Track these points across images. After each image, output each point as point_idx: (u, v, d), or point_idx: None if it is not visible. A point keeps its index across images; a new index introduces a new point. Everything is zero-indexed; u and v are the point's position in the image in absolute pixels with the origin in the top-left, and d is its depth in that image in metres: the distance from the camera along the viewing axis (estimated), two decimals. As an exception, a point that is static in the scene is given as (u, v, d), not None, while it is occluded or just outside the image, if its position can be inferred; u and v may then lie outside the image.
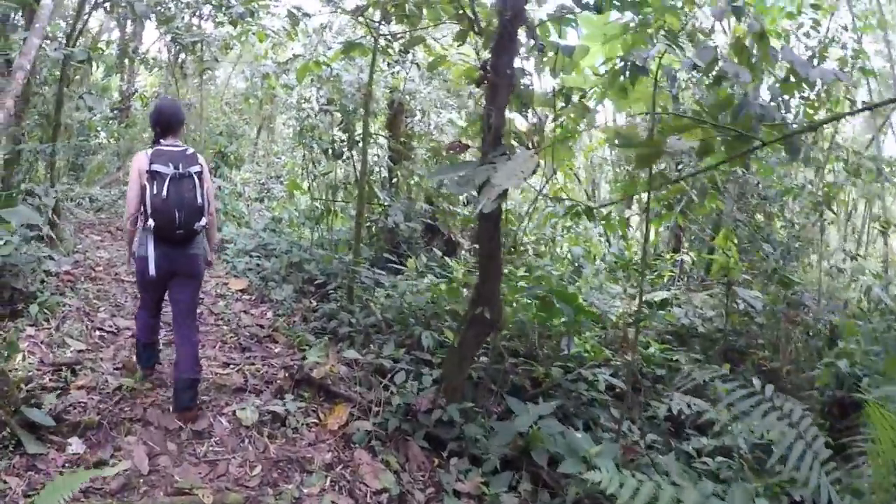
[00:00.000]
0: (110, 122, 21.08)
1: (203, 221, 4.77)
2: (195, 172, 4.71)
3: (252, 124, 18.19)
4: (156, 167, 4.59)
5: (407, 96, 10.71)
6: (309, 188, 11.21)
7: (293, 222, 11.94)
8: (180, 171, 4.64)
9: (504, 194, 4.18)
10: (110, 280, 9.69)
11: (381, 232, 10.50)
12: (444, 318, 7.12)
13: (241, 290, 9.63)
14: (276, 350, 7.24)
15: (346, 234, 11.08)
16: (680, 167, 9.47)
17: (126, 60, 22.16)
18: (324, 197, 11.15)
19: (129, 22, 18.57)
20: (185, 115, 5.27)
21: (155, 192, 4.55)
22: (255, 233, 11.44)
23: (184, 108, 5.46)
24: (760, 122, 4.91)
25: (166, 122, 4.90)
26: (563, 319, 6.56)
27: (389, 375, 6.08)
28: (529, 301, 6.86)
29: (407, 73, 10.65)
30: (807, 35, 8.59)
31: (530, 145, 5.38)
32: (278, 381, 6.01)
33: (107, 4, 12.52)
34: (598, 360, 6.88)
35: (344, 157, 10.59)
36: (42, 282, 8.23)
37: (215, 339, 7.52)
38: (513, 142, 5.39)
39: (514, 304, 7.01)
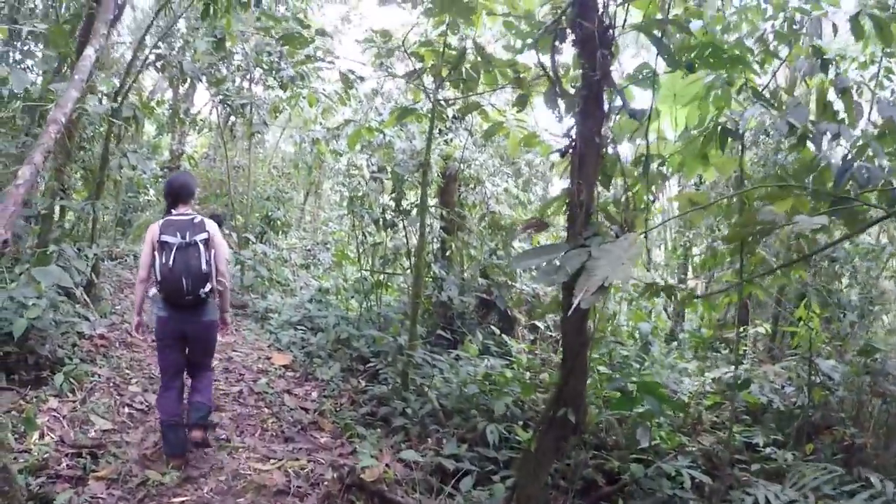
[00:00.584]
0: (159, 180, 20.88)
1: (208, 287, 4.93)
2: (201, 240, 4.88)
3: (299, 189, 17.67)
4: (164, 237, 4.83)
5: (461, 164, 10.00)
6: (358, 258, 10.48)
7: (340, 292, 11.21)
8: (186, 239, 4.83)
9: (606, 287, 3.36)
10: (146, 347, 8.98)
11: (434, 307, 9.71)
12: (509, 407, 6.24)
13: (284, 366, 8.88)
14: (323, 440, 6.43)
15: (395, 308, 10.33)
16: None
17: (177, 120, 22.14)
18: (373, 268, 10.42)
19: (181, 82, 18.37)
20: (196, 187, 5.55)
21: (163, 261, 4.77)
22: (301, 303, 10.73)
23: (195, 181, 5.65)
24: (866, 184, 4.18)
25: (176, 194, 5.14)
26: (641, 409, 5.64)
27: (453, 479, 5.20)
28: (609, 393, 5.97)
29: (463, 140, 9.99)
30: (880, 86, 7.77)
31: (623, 224, 4.57)
32: (326, 485, 5.15)
33: (158, 63, 12.19)
34: (671, 447, 5.91)
35: (395, 227, 9.88)
36: (73, 346, 7.60)
37: (255, 423, 6.73)
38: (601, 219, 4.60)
39: (597, 400, 6.12)
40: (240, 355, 9.25)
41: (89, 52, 5.97)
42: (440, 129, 10.15)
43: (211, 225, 5.09)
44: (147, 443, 5.79)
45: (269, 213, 13.78)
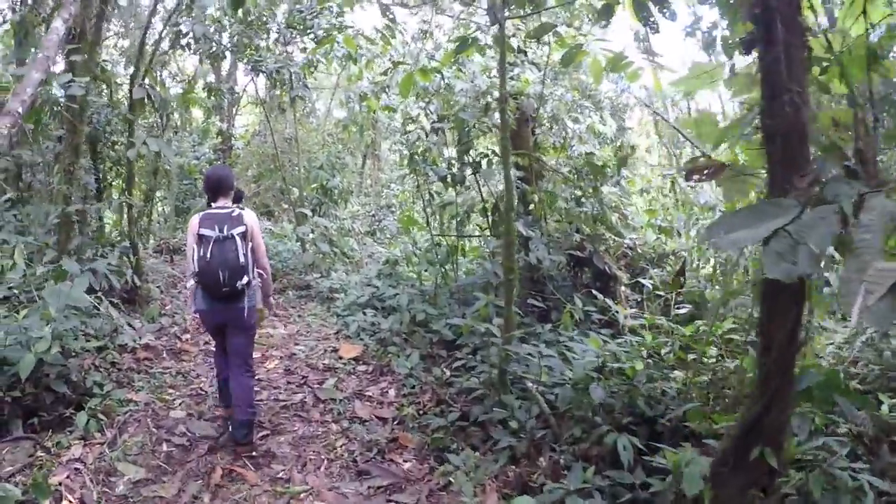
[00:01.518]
0: (213, 163, 19.80)
1: (244, 280, 4.79)
2: (238, 234, 4.77)
3: (356, 154, 16.15)
4: (203, 231, 4.75)
5: (537, 100, 8.27)
6: (427, 222, 8.92)
7: (410, 262, 9.70)
8: (224, 233, 4.71)
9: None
10: (197, 352, 7.67)
11: (521, 270, 8.09)
12: (642, 407, 4.61)
13: (354, 359, 7.45)
14: (406, 465, 4.98)
15: (476, 276, 8.81)
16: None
17: (219, 99, 20.94)
18: (445, 232, 8.85)
19: (216, 60, 17.07)
20: (234, 181, 5.31)
21: (201, 254, 4.71)
22: (368, 280, 9.25)
23: (232, 175, 5.37)
24: None
25: (214, 188, 5.05)
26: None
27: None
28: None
29: (535, 74, 8.28)
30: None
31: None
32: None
33: (183, 41, 10.80)
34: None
35: (464, 182, 8.27)
36: (112, 364, 6.59)
37: (319, 448, 5.35)
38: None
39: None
40: (303, 349, 7.88)
41: (57, 24, 4.69)
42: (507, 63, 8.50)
43: (249, 217, 4.99)
44: (185, 497, 4.41)
45: (325, 183, 12.29)
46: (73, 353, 5.80)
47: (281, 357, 7.63)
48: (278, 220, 16.33)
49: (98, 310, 6.60)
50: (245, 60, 10.82)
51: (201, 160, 19.43)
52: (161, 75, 16.65)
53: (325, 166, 12.37)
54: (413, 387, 6.59)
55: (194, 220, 4.90)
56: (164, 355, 7.51)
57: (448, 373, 6.75)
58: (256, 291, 5.14)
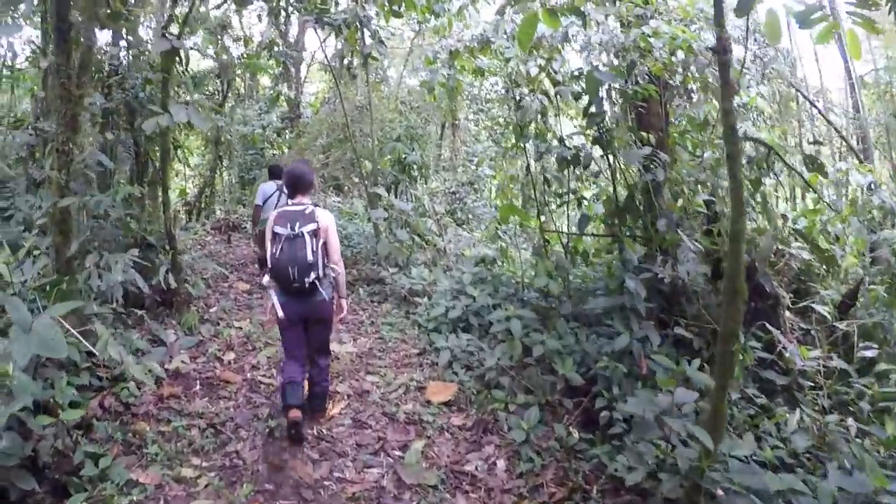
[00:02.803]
0: (282, 134, 17.99)
1: (312, 276, 4.68)
2: (308, 231, 4.68)
3: (434, 124, 13.91)
4: (277, 228, 4.71)
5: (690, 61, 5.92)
6: (538, 214, 6.68)
7: (511, 261, 7.53)
8: (294, 231, 4.66)
9: None
10: (240, 385, 5.70)
11: (647, 281, 5.84)
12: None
13: (446, 404, 5.36)
14: None
15: (587, 280, 6.64)
16: None
17: (291, 68, 19.07)
18: (563, 229, 6.65)
19: (277, 19, 15.12)
20: (314, 176, 5.12)
21: (273, 251, 4.69)
22: (460, 283, 7.09)
23: (312, 171, 5.12)
24: None
25: (294, 185, 4.95)
26: None
27: None
28: None
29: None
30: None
31: None
32: None
33: None
34: None
35: (592, 165, 6.07)
36: (123, 409, 4.89)
37: None
38: None
39: None
40: (378, 383, 5.86)
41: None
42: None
43: (322, 215, 4.81)
44: None
45: (403, 157, 10.08)
46: (50, 422, 3.83)
47: (349, 396, 5.59)
48: (348, 194, 14.31)
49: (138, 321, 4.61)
50: (309, 11, 8.66)
51: (267, 129, 17.62)
52: (222, 37, 14.77)
53: (402, 138, 10.19)
54: (530, 459, 4.49)
55: (271, 218, 4.83)
56: (197, 388, 5.57)
57: (577, 434, 4.65)
58: (331, 285, 4.97)
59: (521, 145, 6.63)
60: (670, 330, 5.63)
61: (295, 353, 4.98)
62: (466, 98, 16.84)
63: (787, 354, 5.17)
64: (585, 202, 7.06)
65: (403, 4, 8.35)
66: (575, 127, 7.06)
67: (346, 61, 18.72)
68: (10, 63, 9.33)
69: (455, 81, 7.85)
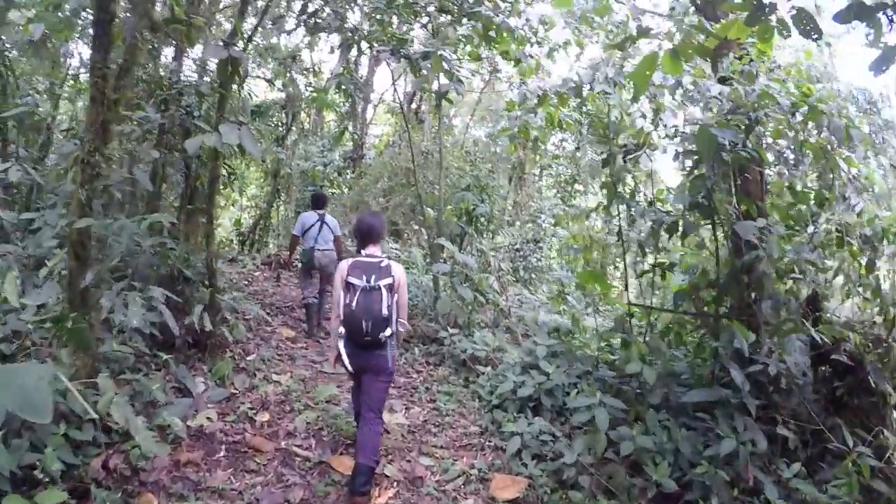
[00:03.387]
0: (343, 173, 17.38)
1: (388, 332, 4.53)
2: (385, 285, 4.50)
3: (502, 176, 13.04)
4: (351, 279, 4.54)
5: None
6: (626, 286, 5.70)
7: (581, 328, 6.54)
8: (371, 283, 4.49)
9: None
10: (273, 454, 4.80)
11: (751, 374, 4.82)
12: None
13: (512, 502, 4.37)
14: None
15: (670, 362, 5.62)
16: None
17: (359, 107, 18.57)
18: (654, 304, 5.68)
19: (350, 52, 14.60)
20: (384, 228, 5.04)
21: (347, 301, 4.51)
22: (532, 356, 6.11)
23: (384, 222, 5.03)
24: None
25: (364, 236, 4.82)
26: None
27: None
28: None
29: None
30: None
31: None
32: None
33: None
34: None
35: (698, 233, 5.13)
36: (119, 480, 3.94)
37: None
38: None
39: None
40: (433, 467, 4.89)
41: None
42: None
43: (397, 270, 4.65)
44: None
45: (471, 207, 9.17)
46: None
47: (398, 483, 4.63)
48: (406, 242, 13.49)
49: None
50: (385, 43, 7.91)
51: (329, 167, 17.02)
52: (290, 69, 14.28)
53: (472, 187, 9.32)
54: None
55: (343, 267, 4.66)
56: (222, 454, 4.66)
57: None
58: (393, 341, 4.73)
59: (615, 206, 5.69)
60: (772, 428, 4.69)
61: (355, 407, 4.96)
62: (532, 148, 16.08)
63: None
64: (668, 274, 6.10)
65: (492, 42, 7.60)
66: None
67: (414, 104, 18.21)
68: (73, 71, 8.85)
69: (541, 132, 6.96)
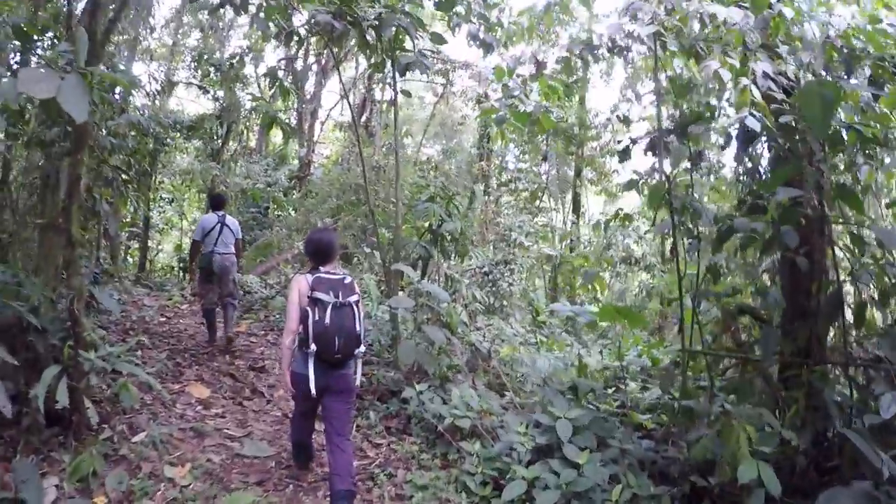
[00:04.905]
0: (289, 193, 15.33)
1: (362, 349, 4.24)
2: (354, 302, 4.21)
3: (462, 192, 10.89)
4: (318, 294, 4.14)
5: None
6: (681, 326, 3.63)
7: (584, 372, 4.46)
8: (341, 300, 4.16)
9: None
10: None
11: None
12: None
13: None
14: None
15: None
16: None
17: (305, 125, 16.51)
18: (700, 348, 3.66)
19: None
20: (338, 246, 4.65)
21: (317, 318, 4.10)
22: (549, 436, 4.00)
23: (338, 239, 4.76)
24: None
25: (323, 253, 4.41)
26: None
27: None
28: None
29: None
30: None
31: None
32: None
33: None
34: None
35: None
36: None
37: None
38: None
39: None
40: None
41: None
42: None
43: (357, 287, 4.34)
44: None
45: (437, 225, 6.98)
46: None
47: None
48: (356, 267, 11.29)
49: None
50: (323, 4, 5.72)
51: (273, 187, 14.90)
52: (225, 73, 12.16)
53: (438, 198, 7.15)
54: None
55: (302, 282, 4.20)
56: None
57: None
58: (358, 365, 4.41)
59: (671, 218, 3.65)
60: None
61: (307, 416, 4.42)
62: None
63: None
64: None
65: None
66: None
67: (364, 116, 16.17)
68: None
69: (542, 111, 4.85)
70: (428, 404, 5.17)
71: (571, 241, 15.04)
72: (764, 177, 4.77)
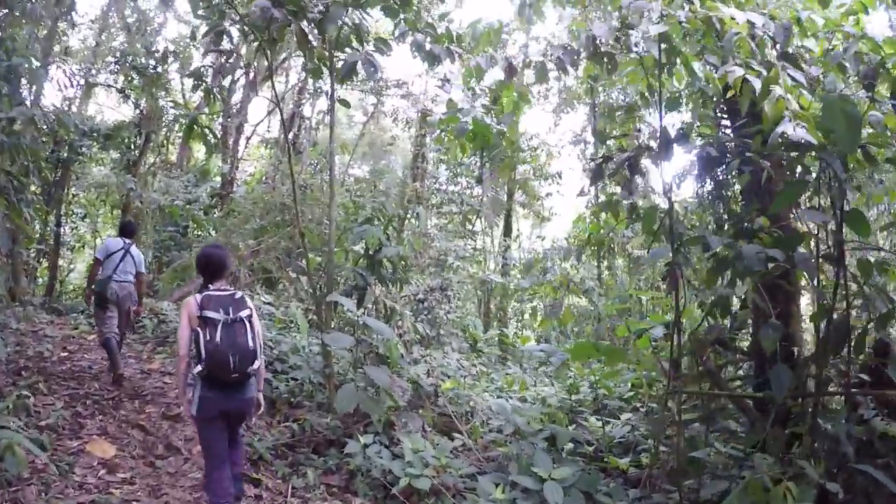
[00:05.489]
0: (210, 210, 14.31)
1: (256, 365, 3.96)
2: (245, 317, 3.98)
3: (399, 208, 10.18)
4: (208, 313, 3.91)
5: None
6: (673, 364, 3.06)
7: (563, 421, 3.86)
8: (231, 316, 3.93)
9: None
10: None
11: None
12: None
13: None
14: None
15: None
16: None
17: (230, 141, 15.52)
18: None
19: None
20: (230, 262, 4.37)
21: (208, 337, 3.85)
22: (520, 488, 3.31)
23: (229, 255, 4.46)
24: None
25: (214, 270, 4.14)
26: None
27: None
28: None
29: None
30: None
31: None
32: None
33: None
34: None
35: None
36: None
37: None
38: None
39: None
40: None
41: None
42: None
43: (249, 300, 4.12)
44: None
45: (376, 248, 6.22)
46: None
47: None
48: (281, 294, 10.40)
49: None
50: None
51: (193, 205, 13.83)
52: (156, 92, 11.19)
53: (377, 218, 6.40)
54: None
55: (192, 302, 3.96)
56: None
57: None
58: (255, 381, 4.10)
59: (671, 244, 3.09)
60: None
61: (224, 462, 3.91)
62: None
63: None
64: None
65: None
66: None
67: (292, 133, 15.30)
68: None
69: (511, 121, 4.22)
70: (375, 458, 4.42)
71: (504, 264, 14.59)
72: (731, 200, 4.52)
